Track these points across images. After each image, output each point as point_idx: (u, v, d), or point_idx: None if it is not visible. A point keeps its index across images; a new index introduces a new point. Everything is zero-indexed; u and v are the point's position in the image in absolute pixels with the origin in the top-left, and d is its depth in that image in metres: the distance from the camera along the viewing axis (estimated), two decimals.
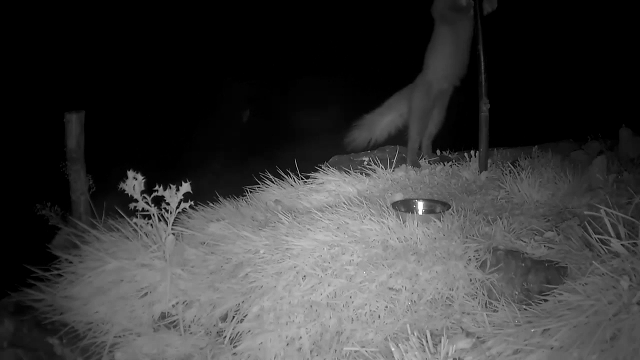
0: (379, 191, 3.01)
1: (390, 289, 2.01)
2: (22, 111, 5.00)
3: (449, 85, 3.40)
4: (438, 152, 3.71)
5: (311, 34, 5.89)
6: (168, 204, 2.06)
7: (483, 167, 3.22)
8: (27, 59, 5.33)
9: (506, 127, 3.87)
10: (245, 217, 2.66)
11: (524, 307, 1.87)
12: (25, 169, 4.50)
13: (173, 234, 2.16)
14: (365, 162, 3.50)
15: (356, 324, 1.92)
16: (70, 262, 2.32)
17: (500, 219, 2.34)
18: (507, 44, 4.14)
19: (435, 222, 2.30)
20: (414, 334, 1.73)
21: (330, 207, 2.54)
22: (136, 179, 2.02)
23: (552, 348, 1.58)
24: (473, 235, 2.21)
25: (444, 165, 3.42)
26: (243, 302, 2.07)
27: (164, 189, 2.04)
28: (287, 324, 1.93)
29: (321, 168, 3.31)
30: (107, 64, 5.53)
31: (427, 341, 1.68)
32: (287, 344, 1.87)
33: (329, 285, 2.03)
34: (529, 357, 1.58)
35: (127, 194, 2.03)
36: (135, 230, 2.28)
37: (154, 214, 2.09)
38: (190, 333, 2.06)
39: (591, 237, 1.93)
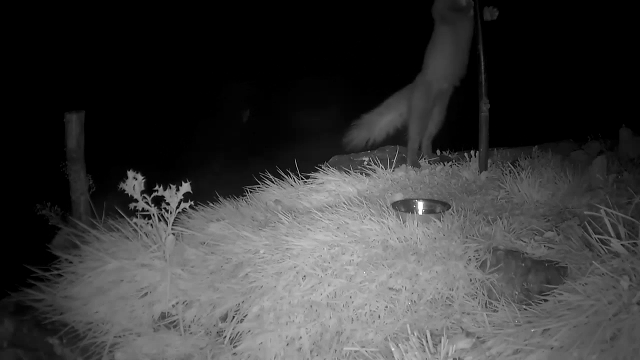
0: (379, 191, 3.01)
1: (390, 289, 2.01)
2: (22, 111, 5.00)
3: (449, 85, 3.40)
4: (438, 152, 3.71)
5: (311, 34, 5.89)
6: (168, 204, 2.06)
7: (483, 167, 3.22)
8: (27, 59, 5.33)
9: (506, 127, 3.87)
10: (245, 217, 2.66)
11: (524, 307, 1.87)
12: (25, 169, 4.50)
13: (173, 234, 2.16)
14: (365, 162, 3.50)
15: (356, 324, 1.92)
16: (70, 262, 2.32)
17: (500, 219, 2.34)
18: (507, 43, 4.14)
19: (435, 222, 2.30)
20: (414, 334, 1.73)
21: (330, 207, 2.54)
22: (136, 179, 2.02)
23: (552, 348, 1.58)
24: (473, 235, 2.21)
25: (444, 165, 3.42)
26: (243, 302, 2.07)
27: (164, 189, 2.04)
28: (287, 324, 1.93)
29: (321, 168, 3.31)
30: (107, 64, 5.53)
31: (427, 341, 1.68)
32: (287, 344, 1.87)
33: (329, 285, 2.03)
34: (529, 357, 1.58)
35: (127, 194, 2.03)
36: (135, 230, 2.28)
37: (154, 214, 2.09)
38: (190, 333, 2.06)
39: (591, 237, 1.93)
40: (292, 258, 2.15)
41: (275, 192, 3.09)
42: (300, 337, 1.88)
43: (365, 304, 1.96)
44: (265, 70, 6.03)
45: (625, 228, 1.82)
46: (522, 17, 4.62)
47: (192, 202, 2.10)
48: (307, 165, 3.27)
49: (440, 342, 1.66)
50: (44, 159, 3.30)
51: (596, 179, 2.83)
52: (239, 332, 1.97)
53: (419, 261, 2.08)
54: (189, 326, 2.08)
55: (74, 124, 2.74)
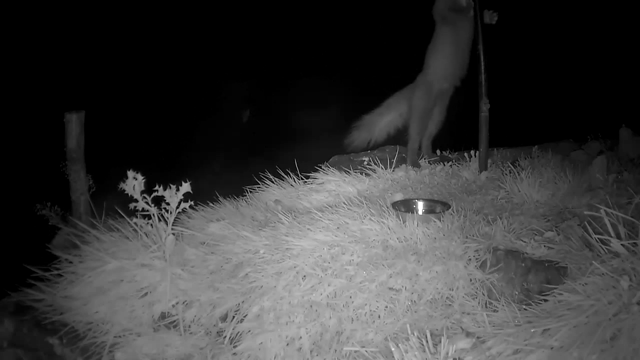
0: (379, 191, 3.01)
1: (390, 289, 2.01)
2: (22, 111, 4.99)
3: (450, 85, 3.40)
4: (438, 152, 3.71)
5: (311, 34, 5.89)
6: (168, 204, 2.06)
7: (483, 167, 3.22)
8: (27, 59, 5.32)
9: (506, 127, 3.87)
10: (245, 217, 2.66)
11: (524, 307, 1.87)
12: (25, 169, 4.50)
13: (173, 234, 2.16)
14: (365, 162, 3.50)
15: (356, 324, 1.92)
16: (70, 262, 2.32)
17: (500, 219, 2.34)
18: (507, 43, 4.14)
19: (435, 222, 2.30)
20: (414, 334, 1.73)
21: (330, 207, 2.54)
22: (136, 179, 2.02)
23: (552, 348, 1.58)
24: (473, 235, 2.21)
25: (444, 165, 3.42)
26: (243, 302, 2.07)
27: (164, 189, 2.04)
28: (287, 324, 1.93)
29: (321, 168, 3.31)
30: (107, 64, 5.53)
31: (427, 341, 1.68)
32: (287, 344, 1.87)
33: (329, 285, 2.03)
34: (529, 357, 1.58)
35: (127, 194, 2.03)
36: (135, 230, 2.28)
37: (154, 214, 2.09)
38: (190, 333, 2.06)
39: (591, 237, 1.93)
40: (292, 258, 2.15)
41: (275, 192, 3.09)
42: (300, 337, 1.88)
43: (365, 304, 1.96)
44: (265, 70, 6.03)
45: (625, 228, 1.82)
46: (522, 17, 4.62)
47: (192, 202, 2.10)
48: (307, 165, 3.27)
49: (440, 342, 1.66)
50: (44, 159, 3.30)
51: (596, 179, 2.83)
52: (239, 332, 1.97)
53: (419, 261, 2.08)
54: (189, 326, 2.08)
55: (74, 124, 2.74)
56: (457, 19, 3.22)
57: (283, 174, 3.17)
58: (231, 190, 3.04)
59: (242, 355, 1.88)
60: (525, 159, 3.08)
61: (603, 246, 1.86)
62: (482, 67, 3.16)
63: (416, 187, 3.06)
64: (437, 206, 2.55)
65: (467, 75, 3.33)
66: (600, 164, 2.89)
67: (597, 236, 1.89)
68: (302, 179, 3.20)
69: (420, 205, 2.60)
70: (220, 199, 2.87)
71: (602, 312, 1.61)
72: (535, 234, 2.25)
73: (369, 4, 5.73)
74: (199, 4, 6.04)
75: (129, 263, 2.21)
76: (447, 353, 1.63)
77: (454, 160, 3.51)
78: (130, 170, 2.02)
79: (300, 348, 1.86)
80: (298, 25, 5.97)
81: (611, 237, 1.81)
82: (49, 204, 2.92)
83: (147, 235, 2.26)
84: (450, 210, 2.41)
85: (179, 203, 2.07)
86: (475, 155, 3.37)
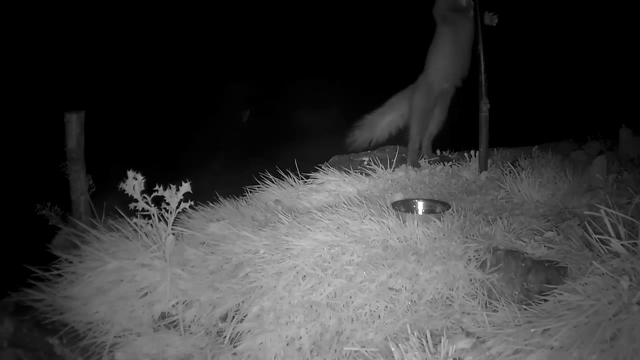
0: (379, 191, 3.01)
1: (390, 289, 2.01)
2: (22, 111, 4.99)
3: (450, 85, 3.40)
4: (438, 152, 3.71)
5: (312, 34, 5.89)
6: (168, 204, 2.06)
7: (483, 167, 3.22)
8: (27, 59, 5.32)
9: (506, 127, 3.87)
10: (245, 217, 2.66)
11: (524, 307, 1.87)
12: (25, 169, 4.50)
13: (173, 234, 2.16)
14: (365, 162, 3.50)
15: (356, 324, 1.92)
16: (70, 262, 2.32)
17: (500, 219, 2.34)
18: (507, 44, 4.14)
19: (435, 222, 2.30)
20: (414, 334, 1.73)
21: (330, 207, 2.54)
22: (136, 179, 2.02)
23: (552, 348, 1.58)
24: (473, 235, 2.21)
25: (444, 165, 3.42)
26: (243, 302, 2.07)
27: (164, 189, 2.04)
28: (287, 324, 1.93)
29: (321, 168, 3.31)
30: (107, 64, 5.53)
31: (427, 341, 1.68)
32: (287, 344, 1.87)
33: (329, 285, 2.03)
34: (529, 357, 1.58)
35: (127, 194, 2.03)
36: (135, 230, 2.29)
37: (154, 214, 2.09)
38: (190, 333, 2.06)
39: (591, 237, 1.93)
40: (292, 258, 2.15)
41: (275, 192, 3.09)
42: (300, 337, 1.88)
43: (365, 304, 1.96)
44: (265, 70, 6.03)
45: (625, 228, 1.82)
46: (522, 17, 4.62)
47: (192, 202, 2.10)
48: (307, 165, 3.27)
49: (440, 342, 1.66)
50: (44, 159, 3.30)
51: (596, 179, 2.83)
52: (239, 332, 1.97)
53: (419, 261, 2.08)
54: (189, 326, 2.08)
55: (74, 124, 2.74)
56: (457, 19, 3.23)
57: (283, 174, 3.17)
58: (231, 190, 3.04)
59: (242, 355, 1.88)
60: (525, 159, 3.08)
61: (603, 246, 1.86)
62: (482, 67, 3.16)
63: (416, 187, 3.06)
64: (437, 206, 2.55)
65: (467, 75, 3.33)
66: (600, 164, 2.89)
67: (597, 236, 1.89)
68: (302, 179, 3.20)
69: (420, 205, 2.60)
70: (220, 199, 2.87)
71: (602, 312, 1.61)
72: (535, 234, 2.25)
73: (369, 4, 5.73)
74: (199, 4, 6.04)
75: (129, 263, 2.21)
76: (447, 353, 1.63)
77: (454, 160, 3.51)
78: (130, 170, 2.02)
79: (300, 348, 1.86)
80: (298, 25, 5.97)
81: (611, 237, 1.81)
82: (49, 204, 2.92)
83: (147, 235, 2.26)
84: (450, 210, 2.41)
85: (179, 203, 2.07)
86: (475, 155, 3.37)
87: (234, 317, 2.04)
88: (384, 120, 3.59)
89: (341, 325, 1.91)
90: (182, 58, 5.93)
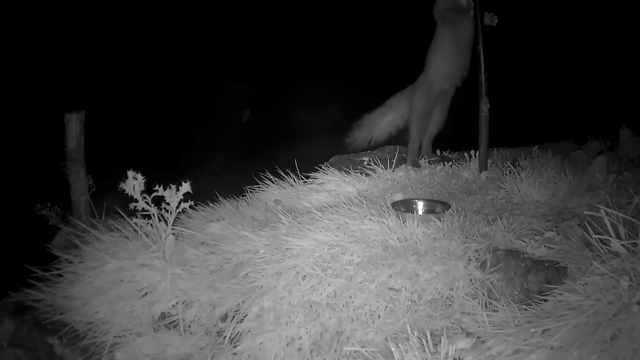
0: (379, 191, 3.01)
1: (390, 289, 2.01)
2: (22, 111, 4.99)
3: (450, 85, 3.40)
4: (438, 152, 3.71)
5: (312, 33, 5.89)
6: (168, 204, 2.06)
7: (483, 167, 3.22)
8: (27, 59, 5.32)
9: (506, 127, 3.87)
10: (245, 217, 2.66)
11: (524, 307, 1.87)
12: (25, 169, 4.50)
13: (173, 234, 2.16)
14: (365, 162, 3.50)
15: (356, 324, 1.92)
16: (70, 262, 2.32)
17: (500, 219, 2.34)
18: (507, 44, 4.14)
19: (435, 222, 2.30)
20: (414, 334, 1.73)
21: (330, 207, 2.54)
22: (136, 179, 2.02)
23: (552, 348, 1.58)
24: (473, 235, 2.21)
25: (444, 165, 3.42)
26: (243, 302, 2.07)
27: (164, 189, 2.04)
28: (287, 324, 1.93)
29: (321, 168, 3.31)
30: (107, 64, 5.53)
31: (427, 341, 1.68)
32: (287, 344, 1.87)
33: (329, 285, 2.03)
34: (529, 357, 1.58)
35: (127, 194, 2.03)
36: (135, 230, 2.28)
37: (154, 214, 2.09)
38: (190, 333, 2.06)
39: (591, 237, 1.93)
40: (292, 258, 2.15)
41: (275, 192, 3.09)
42: (300, 337, 1.88)
43: (365, 304, 1.96)
44: (265, 70, 6.03)
45: (625, 228, 1.82)
46: (522, 18, 4.62)
47: (192, 202, 2.10)
48: (307, 165, 3.27)
49: (440, 342, 1.66)
50: (44, 159, 3.30)
51: (596, 179, 2.83)
52: (239, 332, 1.97)
53: (419, 261, 2.08)
54: (189, 326, 2.08)
55: (74, 124, 2.74)
56: (457, 19, 3.23)
57: (283, 174, 3.17)
58: (231, 190, 3.04)
59: (242, 355, 1.88)
60: (525, 159, 3.08)
61: (603, 246, 1.86)
62: (482, 67, 3.16)
63: (416, 187, 3.06)
64: (437, 206, 2.55)
65: (467, 75, 3.33)
66: (600, 164, 2.89)
67: (597, 236, 1.89)
68: (302, 179, 3.20)
69: (420, 205, 2.60)
70: (220, 199, 2.87)
71: (602, 312, 1.61)
72: (535, 234, 2.25)
73: (370, 4, 5.73)
74: (199, 4, 6.04)
75: (129, 263, 2.21)
76: (447, 353, 1.63)
77: (454, 160, 3.51)
78: (130, 170, 2.02)
79: (300, 348, 1.86)
80: (299, 25, 5.97)
81: (611, 237, 1.81)
82: (49, 204, 2.92)
83: (147, 235, 2.26)
84: (450, 210, 2.41)
85: (179, 203, 2.07)
86: (475, 155, 3.37)
87: (234, 317, 2.04)
88: (383, 120, 3.59)
89: (341, 325, 1.91)
90: (182, 58, 5.93)
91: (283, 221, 2.43)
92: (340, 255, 2.15)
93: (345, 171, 3.25)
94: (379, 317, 1.94)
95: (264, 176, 3.14)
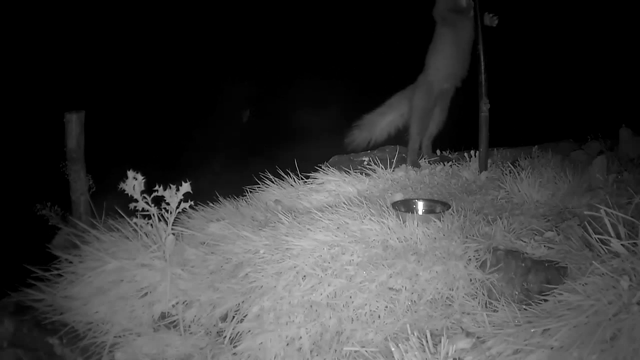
0: (379, 191, 3.01)
1: (390, 289, 2.01)
2: (22, 111, 4.99)
3: (450, 85, 3.40)
4: (438, 152, 3.71)
5: (312, 34, 5.89)
6: (168, 204, 2.06)
7: (483, 167, 3.22)
8: (27, 59, 5.32)
9: (506, 127, 3.87)
10: (245, 217, 2.66)
11: (524, 307, 1.87)
12: (25, 169, 4.50)
13: (173, 234, 2.16)
14: (365, 162, 3.50)
15: (356, 324, 1.92)
16: (70, 262, 2.32)
17: (500, 219, 2.34)
18: (507, 44, 4.14)
19: (435, 222, 2.30)
20: (414, 334, 1.73)
21: (330, 207, 2.54)
22: (136, 179, 2.02)
23: (552, 348, 1.58)
24: (473, 235, 2.21)
25: (444, 165, 3.42)
26: (243, 302, 2.07)
27: (164, 189, 2.04)
28: (287, 324, 1.93)
29: (321, 168, 3.31)
30: (107, 64, 5.53)
31: (427, 341, 1.68)
32: (287, 344, 1.87)
33: (329, 285, 2.03)
34: (529, 357, 1.58)
35: (127, 194, 2.03)
36: (135, 230, 2.28)
37: (154, 214, 2.09)
38: (190, 333, 2.06)
39: (591, 237, 1.93)
40: (292, 258, 2.15)
41: (275, 192, 3.09)
42: (300, 337, 1.88)
43: (365, 304, 1.96)
44: (265, 70, 6.03)
45: (625, 228, 1.82)
46: (522, 18, 4.62)
47: (192, 202, 2.10)
48: (307, 165, 3.27)
49: (440, 342, 1.66)
50: (44, 159, 3.30)
51: (596, 179, 2.83)
52: (239, 332, 1.97)
53: (419, 261, 2.08)
54: (189, 326, 2.08)
55: (74, 124, 2.74)
56: (457, 20, 3.23)
57: (283, 174, 3.17)
58: (231, 190, 3.04)
59: (242, 355, 1.88)
60: (525, 159, 3.08)
61: (603, 246, 1.86)
62: (482, 67, 3.17)
63: (416, 187, 3.06)
64: (437, 206, 2.55)
65: (467, 75, 3.34)
66: (600, 164, 2.89)
67: (597, 236, 1.89)
68: (302, 179, 3.20)
69: (420, 205, 2.60)
70: (220, 199, 2.87)
71: (602, 312, 1.61)
72: (535, 234, 2.25)
73: (370, 4, 5.73)
74: (199, 4, 6.04)
75: (129, 263, 2.21)
76: (447, 353, 1.63)
77: (454, 160, 3.51)
78: (130, 170, 2.02)
79: (300, 348, 1.86)
80: (299, 25, 5.97)
81: (611, 237, 1.81)
82: (49, 204, 2.92)
83: (147, 235, 2.26)
84: (450, 210, 2.41)
85: (179, 203, 2.07)
86: (475, 155, 3.37)
87: (234, 317, 2.04)
88: (383, 120, 3.59)
89: (341, 325, 1.91)
90: (182, 58, 5.93)
91: (283, 221, 2.43)
92: (340, 255, 2.15)
93: (345, 171, 3.25)
94: (379, 317, 1.94)
95: (264, 176, 3.14)
